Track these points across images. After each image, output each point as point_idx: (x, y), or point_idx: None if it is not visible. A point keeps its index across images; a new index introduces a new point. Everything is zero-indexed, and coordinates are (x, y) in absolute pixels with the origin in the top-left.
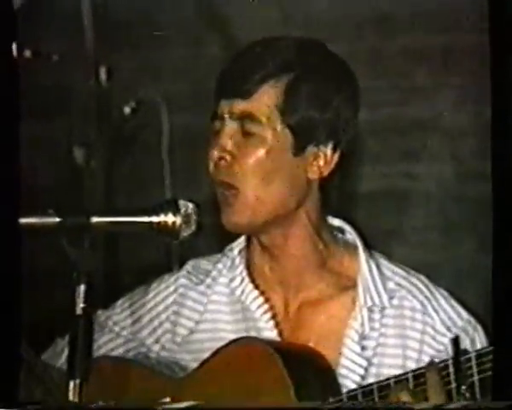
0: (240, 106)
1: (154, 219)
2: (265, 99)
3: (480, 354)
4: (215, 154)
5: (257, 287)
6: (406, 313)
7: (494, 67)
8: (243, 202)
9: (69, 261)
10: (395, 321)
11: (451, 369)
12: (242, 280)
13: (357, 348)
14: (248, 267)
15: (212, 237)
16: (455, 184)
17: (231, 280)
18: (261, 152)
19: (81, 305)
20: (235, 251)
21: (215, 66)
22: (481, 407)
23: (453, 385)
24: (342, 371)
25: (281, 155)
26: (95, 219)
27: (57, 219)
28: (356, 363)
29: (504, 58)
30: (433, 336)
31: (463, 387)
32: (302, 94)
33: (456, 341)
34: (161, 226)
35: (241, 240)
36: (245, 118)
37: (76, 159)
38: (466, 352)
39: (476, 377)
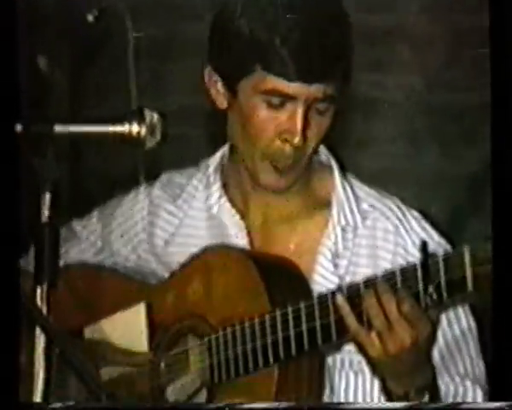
0: (321, 89)
1: (119, 128)
2: (338, 76)
3: (447, 258)
4: (296, 140)
5: (233, 205)
6: (379, 234)
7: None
8: (298, 171)
9: (33, 170)
10: (367, 241)
11: (420, 272)
12: (219, 197)
13: (330, 266)
14: (224, 185)
15: (178, 148)
16: (422, 94)
17: (208, 197)
18: (329, 124)
19: (46, 213)
20: (211, 168)
21: None
22: (483, 407)
23: (420, 285)
24: (315, 287)
25: None
26: (58, 128)
27: (20, 128)
28: (328, 280)
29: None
30: (404, 257)
31: (430, 288)
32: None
33: (424, 244)
34: (126, 136)
35: (217, 156)
36: (325, 100)
37: (40, 68)
38: (434, 255)
39: (443, 279)
